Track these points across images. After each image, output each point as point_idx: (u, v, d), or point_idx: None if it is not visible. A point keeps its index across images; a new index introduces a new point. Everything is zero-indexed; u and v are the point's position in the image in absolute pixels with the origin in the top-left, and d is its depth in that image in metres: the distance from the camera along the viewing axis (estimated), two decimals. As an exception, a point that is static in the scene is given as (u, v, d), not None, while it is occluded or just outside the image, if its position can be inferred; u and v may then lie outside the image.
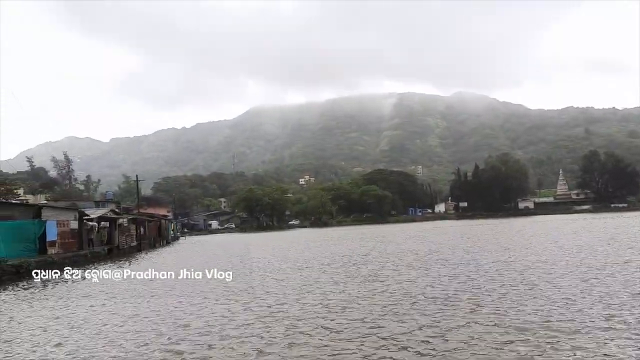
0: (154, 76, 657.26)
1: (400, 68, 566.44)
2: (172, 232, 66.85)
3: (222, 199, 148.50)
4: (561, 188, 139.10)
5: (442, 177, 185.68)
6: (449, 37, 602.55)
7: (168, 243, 57.02)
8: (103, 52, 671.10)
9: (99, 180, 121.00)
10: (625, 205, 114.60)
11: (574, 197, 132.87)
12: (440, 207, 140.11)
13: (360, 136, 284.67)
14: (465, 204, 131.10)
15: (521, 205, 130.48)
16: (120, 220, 40.06)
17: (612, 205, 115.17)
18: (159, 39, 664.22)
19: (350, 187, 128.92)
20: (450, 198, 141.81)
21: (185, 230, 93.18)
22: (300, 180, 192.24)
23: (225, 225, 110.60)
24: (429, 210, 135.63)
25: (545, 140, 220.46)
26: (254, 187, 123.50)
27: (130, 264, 27.33)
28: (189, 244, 55.56)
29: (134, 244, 41.92)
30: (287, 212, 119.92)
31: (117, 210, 47.82)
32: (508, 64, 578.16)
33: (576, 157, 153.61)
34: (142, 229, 46.76)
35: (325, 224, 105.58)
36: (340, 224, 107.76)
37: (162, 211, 79.17)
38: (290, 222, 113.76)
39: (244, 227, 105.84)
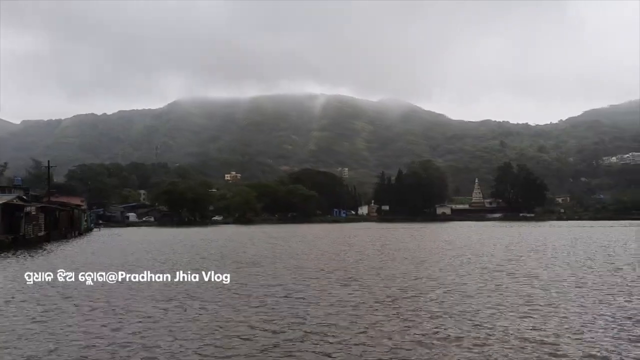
0: (77, 61, 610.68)
1: (325, 72, 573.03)
2: (85, 223, 63.40)
3: (142, 191, 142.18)
4: (476, 196, 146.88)
5: (367, 180, 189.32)
6: (374, 45, 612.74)
7: (80, 234, 54.31)
8: (10, 33, 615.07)
9: (6, 164, 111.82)
10: (533, 215, 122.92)
11: (487, 205, 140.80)
12: (364, 210, 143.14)
13: (289, 135, 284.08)
14: (387, 208, 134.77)
15: (439, 210, 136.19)
16: (28, 208, 37.33)
17: (521, 214, 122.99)
18: (78, 23, 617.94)
19: (277, 186, 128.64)
20: (373, 201, 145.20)
21: (100, 222, 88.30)
22: (226, 175, 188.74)
23: (144, 219, 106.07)
24: (353, 212, 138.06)
25: (463, 150, 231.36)
26: (177, 181, 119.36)
27: (38, 257, 25.32)
28: (102, 236, 52.74)
29: (42, 233, 39.31)
30: (211, 207, 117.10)
31: (24, 197, 44.53)
32: (431, 75, 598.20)
33: (491, 168, 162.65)
34: (52, 219, 43.92)
35: (249, 222, 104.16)
36: (264, 222, 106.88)
37: (75, 200, 74.32)
38: (213, 218, 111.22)
39: (164, 221, 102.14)
